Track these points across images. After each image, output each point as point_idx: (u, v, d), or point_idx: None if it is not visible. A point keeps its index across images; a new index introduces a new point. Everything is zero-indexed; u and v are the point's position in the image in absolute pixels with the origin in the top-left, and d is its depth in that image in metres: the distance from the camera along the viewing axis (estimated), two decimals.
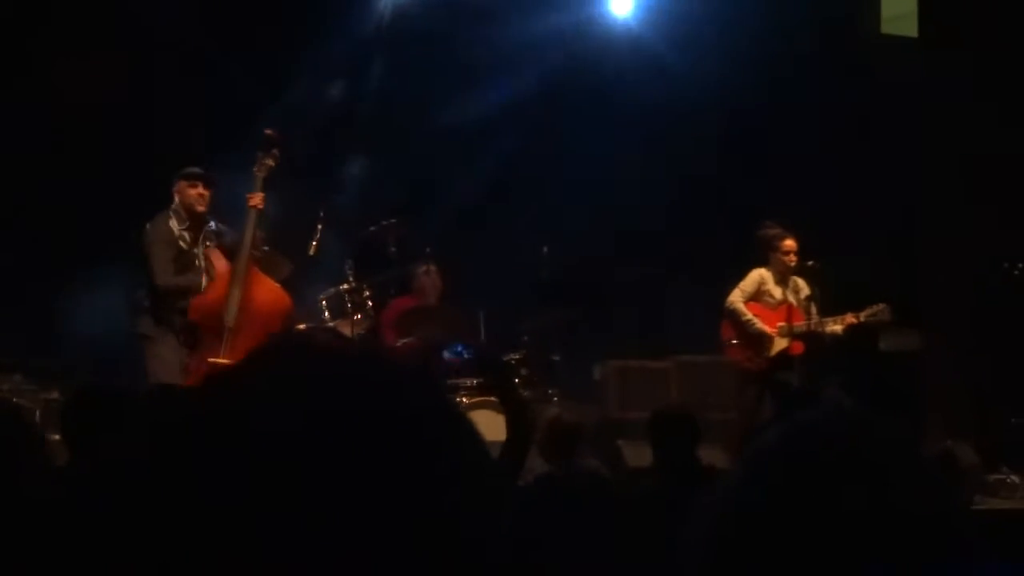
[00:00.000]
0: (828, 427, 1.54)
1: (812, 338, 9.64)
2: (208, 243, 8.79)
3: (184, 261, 8.67)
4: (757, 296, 9.80)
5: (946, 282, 11.00)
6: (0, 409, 3.83)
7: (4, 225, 10.43)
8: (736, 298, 9.77)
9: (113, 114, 10.60)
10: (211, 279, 8.71)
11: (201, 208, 8.74)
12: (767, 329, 9.67)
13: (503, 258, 11.10)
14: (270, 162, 8.79)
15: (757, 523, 1.48)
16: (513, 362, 10.08)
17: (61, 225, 10.37)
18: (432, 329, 10.00)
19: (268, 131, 8.88)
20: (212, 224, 8.84)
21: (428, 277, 10.37)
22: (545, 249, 10.58)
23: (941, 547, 1.46)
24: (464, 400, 9.47)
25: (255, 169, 8.78)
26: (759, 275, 9.81)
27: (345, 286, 10.01)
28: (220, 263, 8.72)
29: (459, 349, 9.87)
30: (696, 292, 10.55)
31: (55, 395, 9.37)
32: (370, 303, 10.06)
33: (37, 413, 9.26)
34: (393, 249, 10.29)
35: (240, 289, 8.57)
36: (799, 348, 9.68)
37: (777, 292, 9.79)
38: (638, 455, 7.78)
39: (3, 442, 3.69)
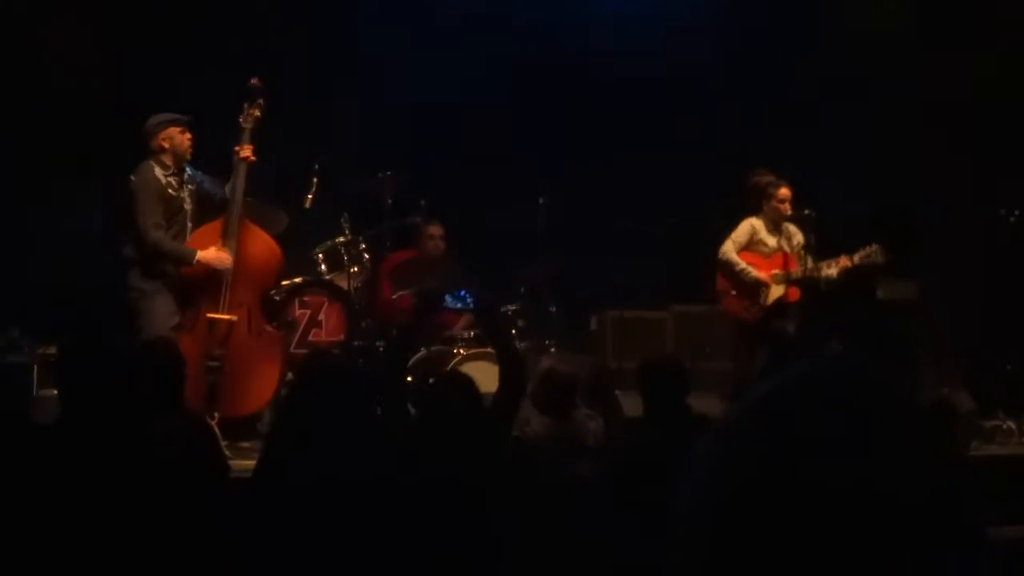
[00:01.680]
0: (820, 379, 1.54)
1: (808, 285, 9.60)
2: (189, 186, 8.77)
3: (173, 209, 8.64)
4: (750, 246, 9.73)
5: (943, 230, 10.98)
6: None
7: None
8: (728, 248, 9.70)
9: (102, 65, 10.58)
10: (195, 224, 8.72)
11: (190, 154, 8.72)
12: (762, 276, 9.61)
13: (499, 209, 11.07)
14: (256, 112, 8.79)
15: (748, 476, 1.47)
16: (510, 313, 10.09)
17: (55, 179, 10.34)
18: (428, 281, 10.00)
19: (253, 81, 8.84)
20: (188, 169, 8.80)
21: (433, 241, 10.36)
22: (542, 200, 10.54)
23: (935, 502, 1.46)
24: (461, 352, 9.49)
25: (241, 120, 8.78)
26: (750, 225, 9.73)
27: (341, 239, 10.02)
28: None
29: (463, 296, 9.86)
30: (692, 241, 10.51)
31: (52, 350, 9.38)
32: (366, 256, 10.07)
33: (35, 368, 9.27)
34: (389, 202, 10.28)
35: (234, 242, 8.63)
36: (795, 294, 9.64)
37: (771, 240, 9.72)
38: (635, 405, 7.79)
39: None
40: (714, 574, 1.46)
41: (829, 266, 9.54)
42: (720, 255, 9.73)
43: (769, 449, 1.47)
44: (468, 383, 4.92)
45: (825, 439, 1.46)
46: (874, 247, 9.50)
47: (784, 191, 9.65)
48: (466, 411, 4.72)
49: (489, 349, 8.59)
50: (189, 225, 8.72)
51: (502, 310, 10.02)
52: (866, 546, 1.41)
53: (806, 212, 9.61)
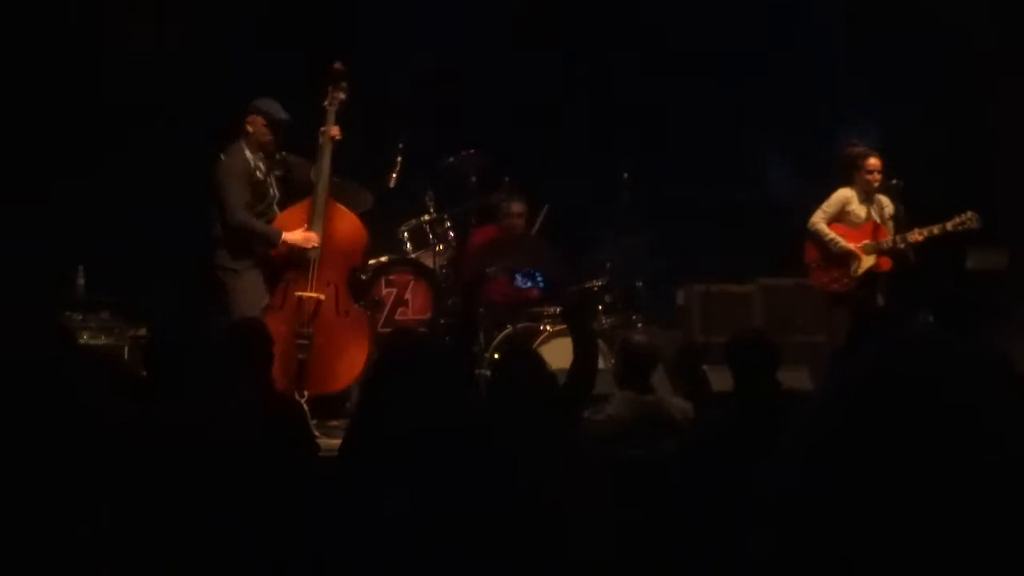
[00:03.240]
0: (913, 357, 1.52)
1: (897, 255, 9.53)
2: (277, 172, 8.87)
3: (261, 191, 8.75)
4: (840, 217, 9.69)
5: None
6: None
7: (88, 163, 10.52)
8: (818, 219, 9.67)
9: (189, 48, 10.66)
10: (280, 208, 8.82)
11: (272, 150, 8.82)
12: (851, 247, 9.56)
13: (583, 184, 11.04)
14: (341, 95, 8.86)
15: (841, 452, 1.46)
16: (596, 289, 10.08)
17: (143, 162, 10.43)
18: (514, 258, 10.02)
19: (337, 65, 8.91)
20: (282, 153, 8.92)
21: (513, 219, 10.36)
22: (626, 175, 10.51)
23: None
24: (548, 328, 9.49)
25: (326, 103, 8.85)
26: (843, 195, 9.70)
27: (426, 217, 10.06)
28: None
29: (534, 274, 9.89)
30: (775, 215, 10.42)
31: (143, 332, 9.49)
32: (451, 234, 10.09)
33: (125, 350, 9.38)
34: (473, 179, 10.29)
35: (321, 222, 8.69)
36: (887, 264, 9.57)
37: (862, 211, 9.67)
38: (723, 379, 7.76)
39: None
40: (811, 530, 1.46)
41: (920, 233, 9.46)
42: (809, 225, 9.70)
43: (859, 431, 1.45)
44: (534, 359, 4.90)
45: (913, 422, 1.44)
46: (969, 214, 9.42)
47: (873, 161, 9.60)
48: (531, 386, 4.70)
49: None
50: (276, 210, 8.80)
51: (587, 286, 10.03)
52: (956, 509, 1.39)
53: (893, 182, 9.57)
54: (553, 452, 4.01)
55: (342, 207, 8.91)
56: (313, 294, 8.67)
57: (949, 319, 6.28)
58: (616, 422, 6.31)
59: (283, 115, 8.80)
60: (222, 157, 8.68)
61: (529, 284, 9.87)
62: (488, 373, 8.63)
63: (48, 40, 10.65)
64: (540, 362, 4.86)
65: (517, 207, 10.37)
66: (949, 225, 9.45)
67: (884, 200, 9.68)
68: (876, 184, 9.61)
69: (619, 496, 4.06)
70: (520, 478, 3.56)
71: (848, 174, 9.74)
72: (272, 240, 8.59)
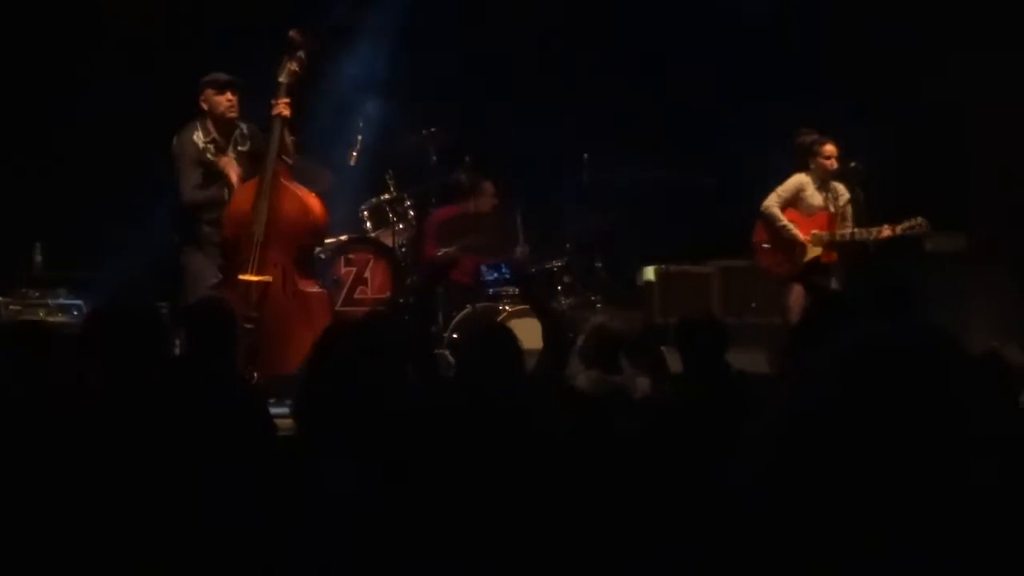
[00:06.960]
0: (896, 342, 1.55)
1: (846, 249, 9.60)
2: (240, 147, 8.57)
3: (214, 170, 8.46)
4: (795, 202, 9.71)
5: (993, 181, 10.84)
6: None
7: (46, 140, 10.46)
8: (772, 202, 9.69)
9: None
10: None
11: (232, 115, 8.48)
12: (800, 236, 9.60)
13: (544, 164, 11.03)
14: (295, 67, 8.40)
15: (825, 428, 1.49)
16: (555, 269, 10.10)
17: (102, 139, 10.37)
18: (474, 238, 10.03)
19: (292, 33, 8.45)
20: (243, 127, 8.58)
21: (496, 200, 10.40)
22: (586, 155, 10.52)
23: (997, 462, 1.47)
24: (507, 308, 9.49)
25: (278, 74, 8.39)
26: (799, 181, 9.72)
27: (386, 196, 10.05)
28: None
29: (500, 267, 9.90)
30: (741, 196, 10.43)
31: None
32: (412, 213, 10.09)
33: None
34: (434, 158, 10.30)
35: (267, 201, 8.31)
36: (831, 257, 9.63)
37: (817, 198, 9.70)
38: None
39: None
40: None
41: (870, 233, 9.52)
42: (763, 207, 9.72)
43: (842, 409, 1.47)
44: (508, 335, 4.88)
45: (896, 403, 1.47)
46: (919, 219, 9.47)
47: (829, 147, 9.65)
48: (506, 364, 4.68)
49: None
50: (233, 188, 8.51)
51: (547, 267, 10.06)
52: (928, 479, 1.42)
53: (852, 165, 9.61)
54: (522, 431, 4.00)
55: (292, 187, 8.46)
56: (256, 278, 8.28)
57: (888, 307, 6.30)
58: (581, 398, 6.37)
59: (225, 76, 8.46)
60: (174, 140, 8.45)
61: (495, 276, 9.87)
62: (447, 353, 8.65)
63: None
64: (512, 338, 4.82)
65: (491, 187, 10.42)
66: (899, 229, 9.51)
67: (840, 188, 9.72)
68: (833, 169, 9.66)
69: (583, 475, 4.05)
70: (487, 458, 3.56)
71: (803, 161, 9.78)
72: (218, 200, 8.38)
